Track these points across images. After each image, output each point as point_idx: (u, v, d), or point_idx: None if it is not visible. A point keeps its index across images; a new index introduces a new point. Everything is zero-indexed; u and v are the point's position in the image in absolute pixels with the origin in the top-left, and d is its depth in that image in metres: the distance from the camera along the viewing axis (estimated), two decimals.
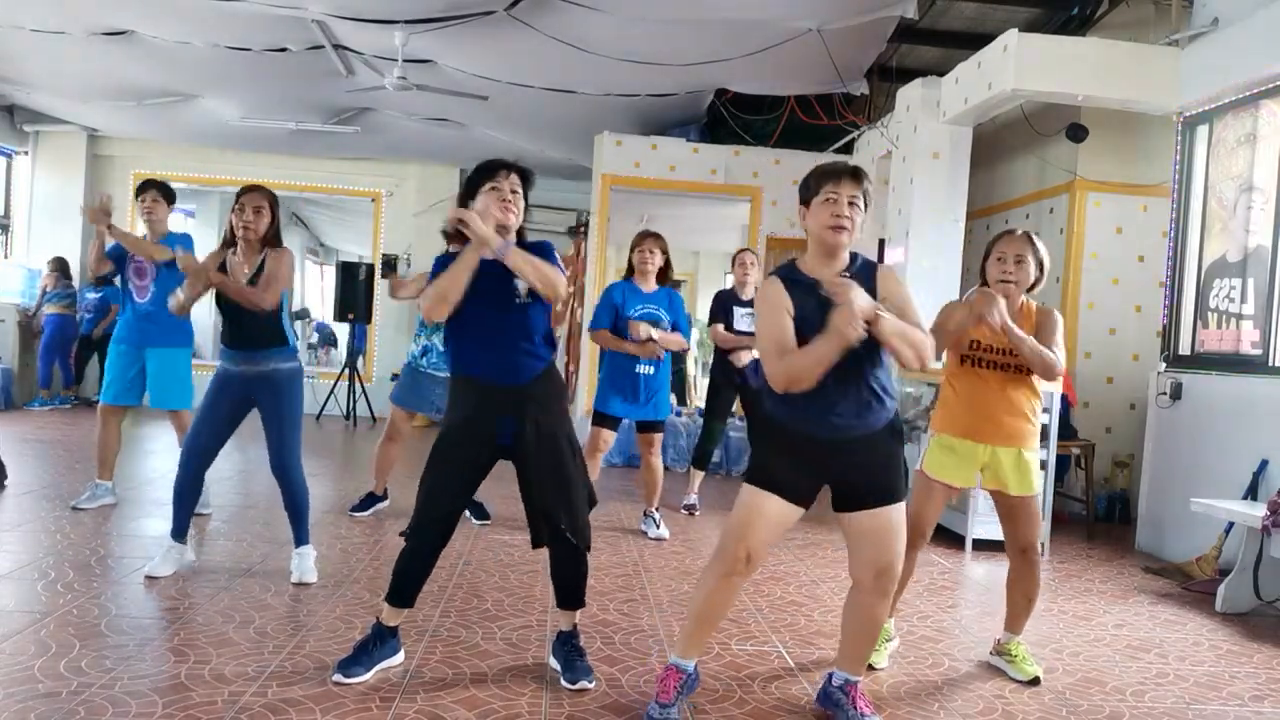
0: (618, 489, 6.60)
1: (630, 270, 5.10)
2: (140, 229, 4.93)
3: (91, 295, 9.71)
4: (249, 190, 3.81)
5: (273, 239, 3.83)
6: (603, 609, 3.74)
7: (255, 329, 3.77)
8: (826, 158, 8.10)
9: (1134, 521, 5.90)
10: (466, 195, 2.90)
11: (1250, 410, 4.90)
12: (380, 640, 2.94)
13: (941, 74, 6.50)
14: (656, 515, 5.22)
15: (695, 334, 11.57)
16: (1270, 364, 4.88)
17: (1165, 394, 5.46)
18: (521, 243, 2.90)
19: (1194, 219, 5.53)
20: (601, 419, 5.02)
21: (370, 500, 5.27)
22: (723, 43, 6.42)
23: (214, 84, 8.10)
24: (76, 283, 9.96)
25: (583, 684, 2.88)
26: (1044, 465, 5.29)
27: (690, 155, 8.23)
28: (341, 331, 12.82)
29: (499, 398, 2.88)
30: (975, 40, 6.40)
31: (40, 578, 3.69)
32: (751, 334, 5.43)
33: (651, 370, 4.98)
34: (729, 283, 6.64)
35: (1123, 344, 6.77)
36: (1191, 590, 4.61)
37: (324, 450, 7.98)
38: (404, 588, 2.96)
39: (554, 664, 3.02)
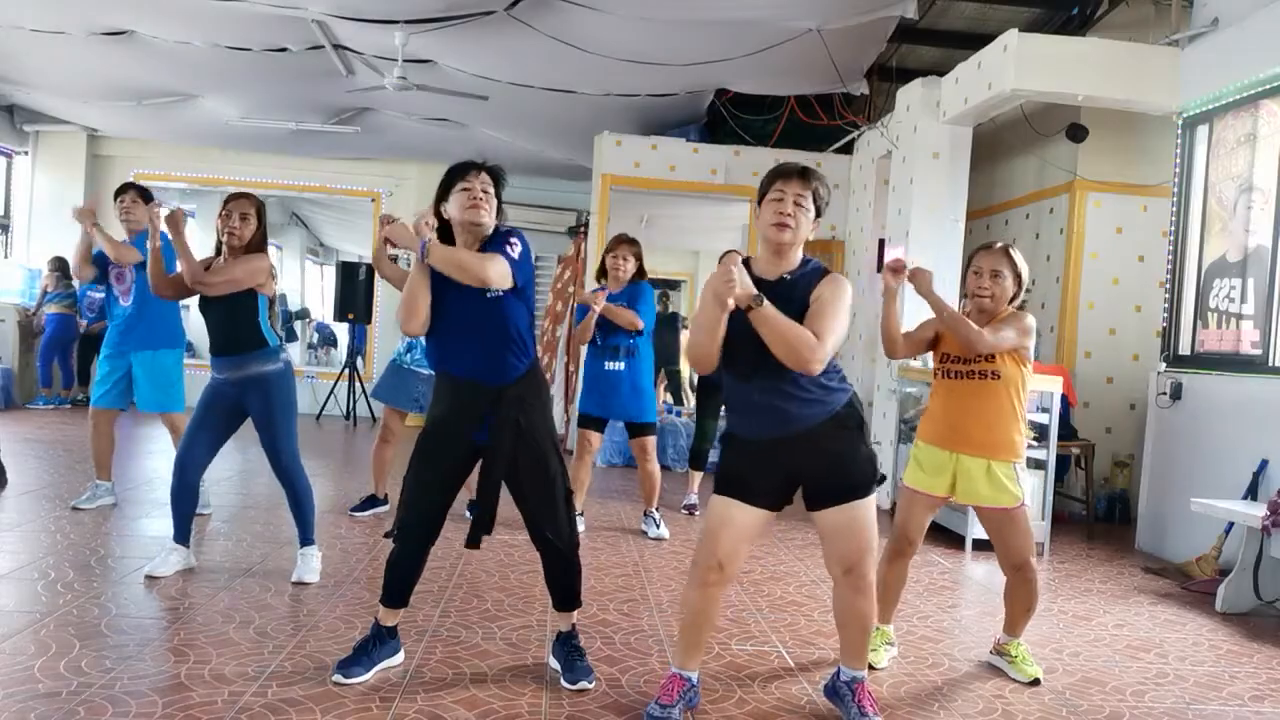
0: (618, 489, 6.60)
1: (603, 272, 5.14)
2: (120, 231, 4.95)
3: (95, 294, 9.74)
4: (236, 197, 3.83)
5: (258, 245, 3.83)
6: (603, 609, 3.74)
7: (232, 332, 3.77)
8: (827, 158, 8.11)
9: (1134, 521, 5.90)
10: (440, 197, 2.90)
11: (1250, 410, 4.90)
12: (380, 640, 2.94)
13: (941, 74, 6.50)
14: (656, 515, 5.23)
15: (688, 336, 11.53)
16: (1270, 364, 4.88)
17: (1165, 394, 5.46)
18: (495, 235, 2.87)
19: (1194, 219, 5.53)
20: (584, 420, 5.13)
21: (371, 502, 5.28)
22: (723, 43, 6.42)
23: (214, 84, 8.10)
24: (76, 282, 9.96)
25: (583, 684, 2.88)
26: (1043, 465, 5.31)
27: (690, 155, 8.23)
28: (341, 331, 12.82)
29: (478, 396, 2.86)
30: (975, 40, 6.40)
31: (40, 578, 3.69)
32: None
33: (620, 366, 5.02)
34: None
35: (1123, 344, 6.77)
36: (1191, 590, 4.61)
37: (324, 450, 7.98)
38: (396, 588, 2.96)
39: (554, 664, 3.02)
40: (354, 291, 10.17)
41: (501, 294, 2.83)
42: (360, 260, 11.09)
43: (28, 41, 7.21)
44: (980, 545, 5.16)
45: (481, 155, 3.01)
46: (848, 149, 8.22)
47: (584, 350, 5.32)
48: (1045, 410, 5.25)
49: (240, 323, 3.77)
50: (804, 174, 2.59)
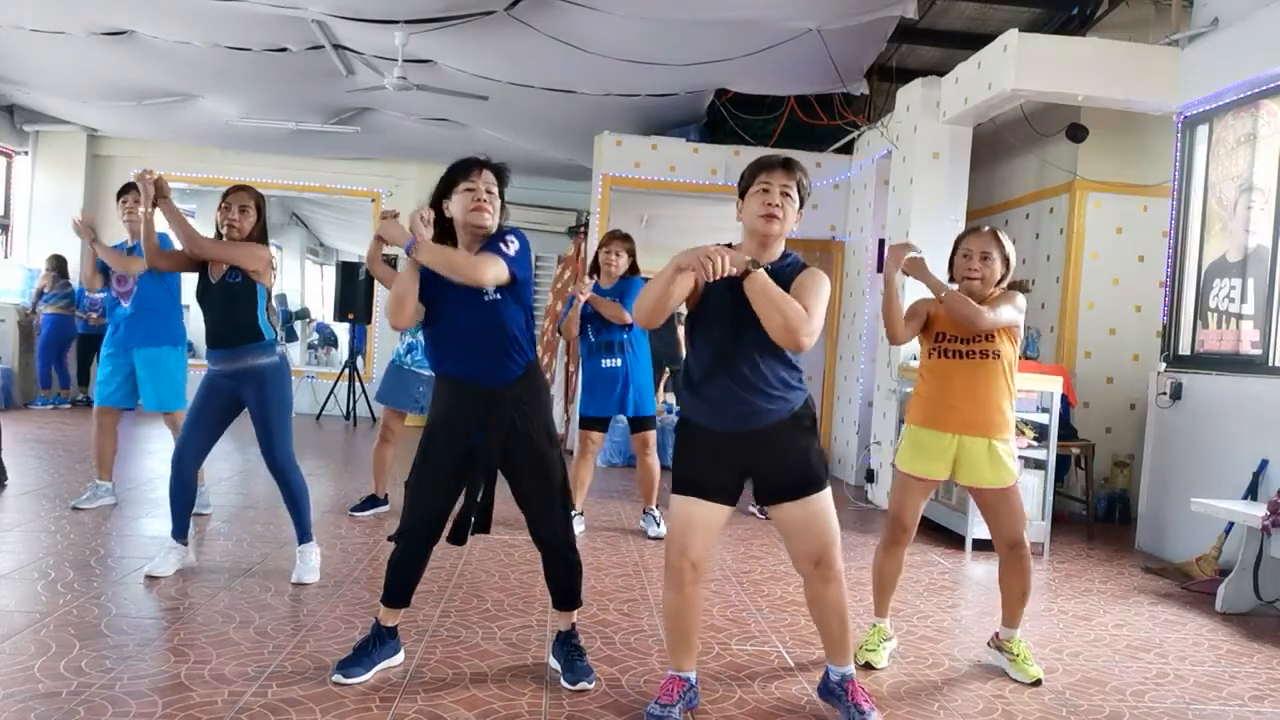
0: (618, 489, 6.60)
1: (596, 268, 5.15)
2: (121, 232, 4.96)
3: (98, 295, 9.74)
4: (235, 190, 3.85)
5: (257, 238, 3.85)
6: (603, 609, 3.75)
7: (230, 323, 3.78)
8: (827, 158, 8.11)
9: (1134, 521, 5.90)
10: (441, 193, 2.88)
11: (1250, 410, 4.90)
12: (380, 640, 2.94)
13: (941, 74, 6.50)
14: (656, 514, 5.23)
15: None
16: (1270, 364, 4.88)
17: (1165, 394, 5.46)
18: (497, 235, 2.84)
19: (1194, 219, 5.53)
20: (586, 421, 5.14)
21: (371, 502, 5.28)
22: (723, 43, 6.42)
23: (214, 84, 8.10)
24: (75, 282, 9.97)
25: (583, 684, 2.88)
26: (1043, 465, 5.31)
27: (690, 155, 8.23)
28: (341, 331, 12.82)
29: (476, 398, 2.86)
30: (975, 40, 6.40)
31: (40, 578, 3.69)
32: None
33: (617, 363, 5.04)
34: None
35: (1123, 344, 6.77)
36: (1191, 590, 4.61)
37: (324, 450, 7.98)
38: (398, 588, 2.96)
39: (554, 664, 3.03)
40: (354, 291, 10.17)
41: (500, 296, 2.81)
42: (360, 260, 11.10)
43: (28, 41, 7.21)
44: (980, 545, 5.16)
45: (484, 154, 3.00)
46: (848, 149, 8.22)
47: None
48: (1045, 410, 5.25)
49: (238, 313, 3.77)
50: (787, 165, 2.62)
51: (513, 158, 11.29)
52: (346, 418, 10.17)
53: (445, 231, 2.88)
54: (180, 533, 3.88)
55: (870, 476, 6.84)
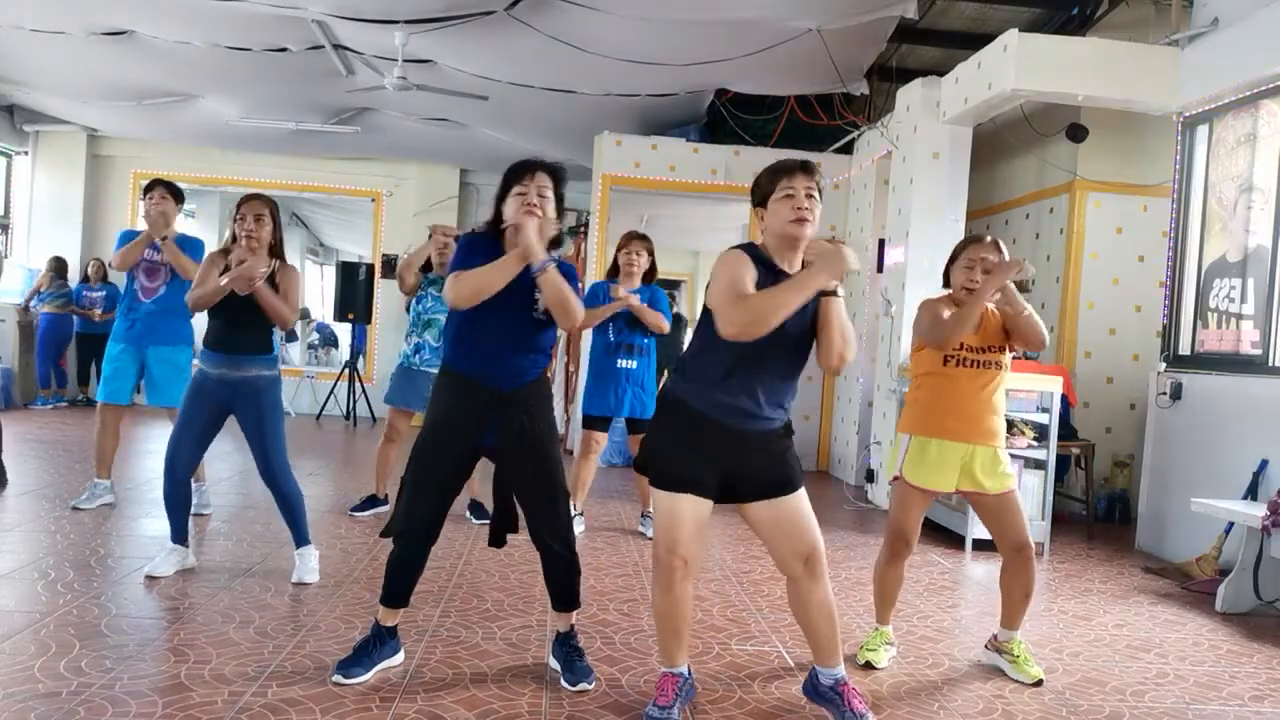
0: (618, 489, 6.60)
1: (615, 270, 5.13)
2: (143, 226, 4.95)
3: (96, 294, 9.77)
4: (249, 199, 3.80)
5: (276, 246, 3.82)
6: (603, 609, 3.74)
7: (245, 332, 3.75)
8: (827, 158, 8.10)
9: (1134, 521, 5.90)
10: (500, 195, 2.90)
11: (1250, 410, 4.90)
12: (380, 640, 2.94)
13: (941, 74, 6.50)
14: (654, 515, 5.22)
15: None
16: (1270, 364, 4.88)
17: (1165, 394, 5.46)
18: (571, 276, 2.88)
19: (1194, 219, 5.53)
20: (591, 421, 5.09)
21: (371, 502, 5.27)
22: (723, 43, 6.42)
23: (214, 84, 8.10)
24: (73, 282, 9.98)
25: (583, 685, 2.88)
26: (1043, 465, 5.32)
27: (690, 155, 8.23)
28: (341, 331, 12.82)
29: (486, 398, 2.86)
30: (975, 40, 6.40)
31: (40, 578, 3.69)
32: None
33: (633, 365, 5.02)
34: None
35: (1123, 344, 6.77)
36: (1191, 590, 4.61)
37: (324, 450, 7.98)
38: (397, 589, 2.96)
39: (554, 664, 3.03)
40: (354, 291, 10.17)
41: (545, 318, 2.88)
42: (360, 260, 11.10)
43: (28, 41, 7.21)
44: (980, 545, 5.16)
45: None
46: (848, 149, 8.22)
47: (584, 351, 5.31)
48: (1045, 410, 5.25)
49: (256, 325, 3.76)
50: (806, 167, 2.62)
51: (513, 158, 11.22)
52: (346, 418, 10.17)
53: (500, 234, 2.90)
54: (179, 536, 3.88)
55: (870, 476, 6.84)
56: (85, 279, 10.02)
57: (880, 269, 7.26)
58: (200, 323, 5.03)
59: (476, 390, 2.87)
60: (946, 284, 3.36)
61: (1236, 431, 4.95)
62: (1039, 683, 3.17)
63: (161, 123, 9.53)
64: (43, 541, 4.27)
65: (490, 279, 2.74)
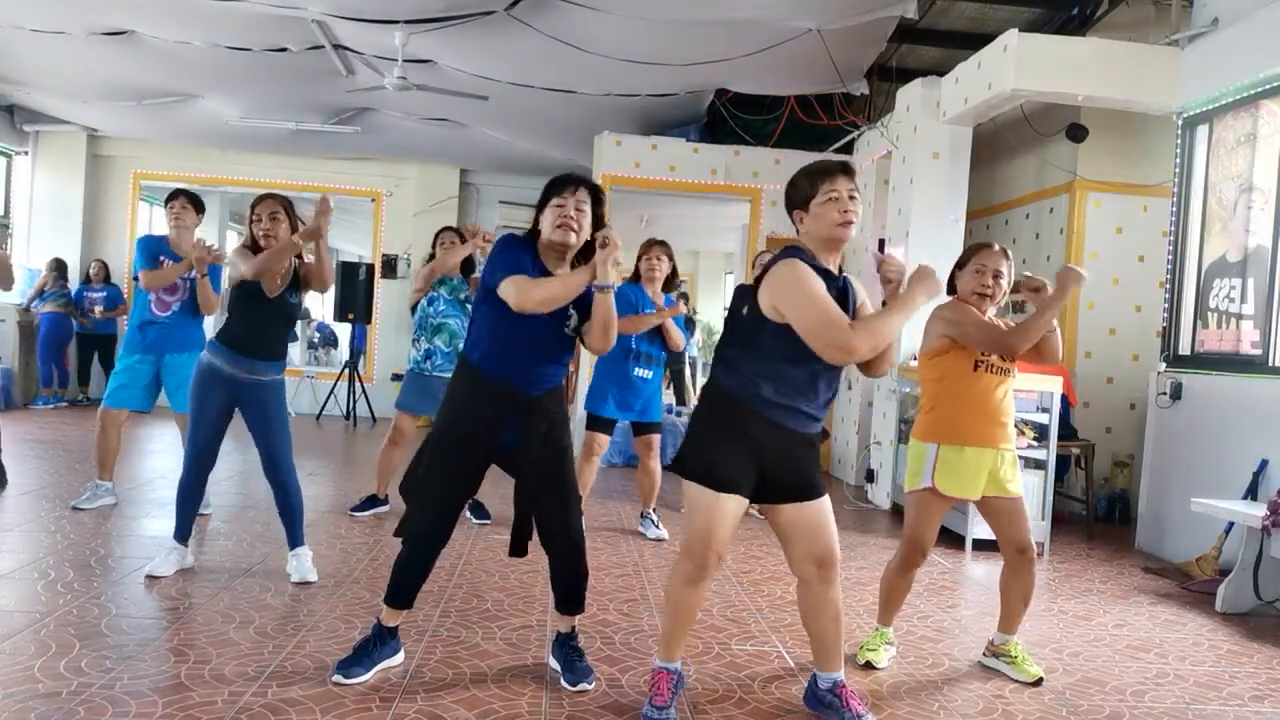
0: (618, 489, 6.61)
1: (636, 275, 5.13)
2: (163, 231, 5.00)
3: (97, 294, 9.78)
4: (262, 199, 3.81)
5: None
6: (603, 609, 3.74)
7: (271, 339, 3.79)
8: (827, 158, 8.09)
9: (1134, 521, 5.90)
10: (539, 207, 2.93)
11: (1250, 410, 4.90)
12: (380, 640, 2.94)
13: (941, 74, 6.50)
14: (655, 516, 5.23)
15: (698, 336, 11.50)
16: (1270, 364, 4.88)
17: (1165, 394, 5.46)
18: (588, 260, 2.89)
19: (1194, 219, 5.53)
20: (596, 422, 5.04)
21: (371, 502, 5.27)
22: (723, 43, 6.42)
23: (214, 84, 8.10)
24: (74, 284, 9.98)
25: (583, 685, 2.88)
26: (1043, 465, 5.32)
27: (690, 155, 8.23)
28: (341, 331, 12.81)
29: (509, 400, 2.88)
30: (975, 40, 6.40)
31: (40, 578, 3.69)
32: None
33: (649, 375, 5.04)
34: (729, 283, 6.64)
35: (1123, 344, 6.77)
36: (1191, 590, 4.61)
37: (324, 450, 7.98)
38: (404, 590, 2.96)
39: (554, 664, 3.03)
40: (354, 291, 10.17)
41: (573, 333, 2.93)
42: (360, 260, 11.10)
43: (28, 41, 7.21)
44: (980, 545, 5.16)
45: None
46: (848, 149, 8.21)
47: (584, 351, 5.29)
48: (1045, 410, 5.25)
49: (283, 331, 3.83)
50: (847, 169, 2.65)
51: (513, 158, 11.31)
52: (346, 418, 10.17)
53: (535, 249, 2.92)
54: (183, 535, 3.88)
55: (870, 476, 6.84)
56: (87, 279, 10.02)
57: (880, 269, 7.25)
58: (205, 325, 5.08)
59: (501, 393, 2.88)
60: (951, 290, 3.37)
61: (1236, 431, 4.95)
62: (1039, 682, 3.17)
63: (161, 123, 9.53)
64: (43, 541, 4.27)
65: (563, 291, 2.78)
